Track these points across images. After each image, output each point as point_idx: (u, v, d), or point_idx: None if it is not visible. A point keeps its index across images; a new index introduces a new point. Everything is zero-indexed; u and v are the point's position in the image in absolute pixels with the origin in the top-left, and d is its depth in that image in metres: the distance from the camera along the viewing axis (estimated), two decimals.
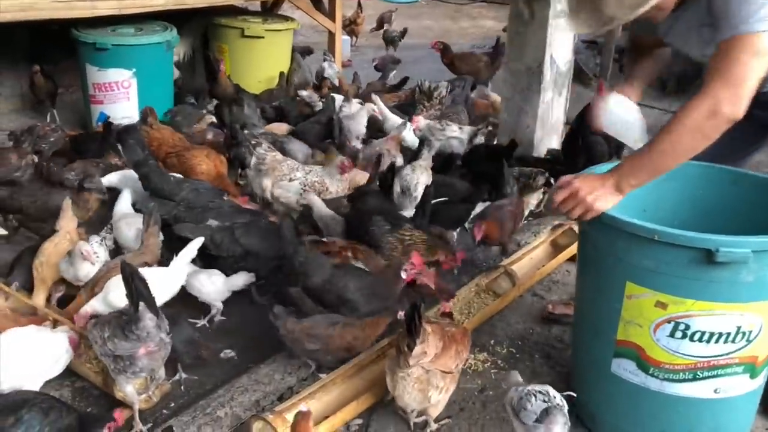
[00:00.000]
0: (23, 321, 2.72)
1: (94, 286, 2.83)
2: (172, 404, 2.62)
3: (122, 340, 2.31)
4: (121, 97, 5.07)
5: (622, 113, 2.69)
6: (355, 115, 4.98)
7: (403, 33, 7.46)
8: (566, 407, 2.18)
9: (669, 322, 2.18)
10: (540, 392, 2.20)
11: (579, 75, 7.48)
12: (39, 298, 3.00)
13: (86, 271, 2.99)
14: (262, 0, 6.54)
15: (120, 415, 2.29)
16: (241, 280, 3.11)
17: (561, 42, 4.52)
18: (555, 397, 2.19)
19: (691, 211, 2.56)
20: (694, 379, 2.24)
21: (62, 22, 4.93)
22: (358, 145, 4.83)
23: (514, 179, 4.04)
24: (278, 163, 3.94)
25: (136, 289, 2.27)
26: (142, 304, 2.28)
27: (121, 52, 4.96)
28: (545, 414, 2.11)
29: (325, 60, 6.60)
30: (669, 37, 2.48)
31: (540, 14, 4.41)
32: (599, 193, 2.20)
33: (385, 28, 8.95)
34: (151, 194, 3.51)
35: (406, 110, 5.44)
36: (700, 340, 2.17)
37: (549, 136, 4.76)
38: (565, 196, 2.25)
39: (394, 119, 5.08)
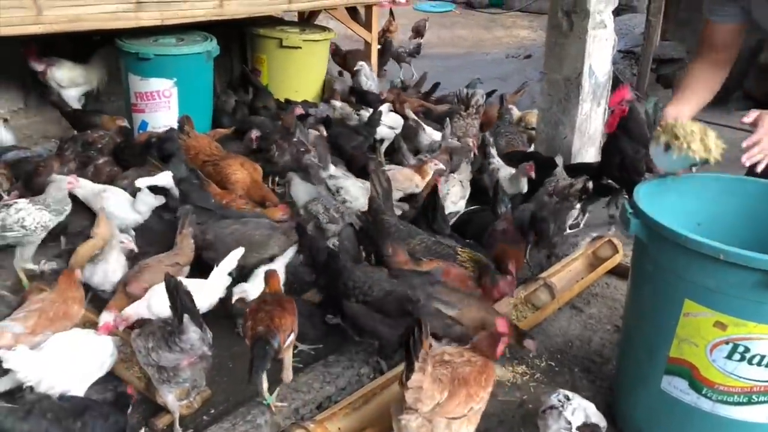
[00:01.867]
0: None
1: (127, 284, 2.88)
2: (212, 411, 2.66)
3: (166, 351, 2.34)
4: (162, 106, 5.16)
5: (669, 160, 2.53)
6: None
7: (418, 48, 7.42)
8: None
9: (727, 343, 2.14)
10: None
11: (616, 85, 7.42)
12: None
13: (102, 277, 3.07)
14: (300, 10, 6.59)
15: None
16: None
17: (600, 53, 4.50)
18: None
19: (750, 229, 2.51)
20: (749, 402, 2.20)
21: (107, 33, 5.04)
22: (411, 160, 4.75)
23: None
24: None
25: (181, 301, 2.29)
26: (186, 317, 2.30)
27: (162, 62, 5.05)
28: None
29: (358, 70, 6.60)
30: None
31: (578, 25, 4.39)
32: None
33: (416, 40, 8.97)
34: None
35: (441, 120, 5.45)
36: (759, 364, 2.13)
37: (587, 148, 4.72)
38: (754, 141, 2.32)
39: (429, 131, 5.06)
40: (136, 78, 5.12)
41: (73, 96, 5.41)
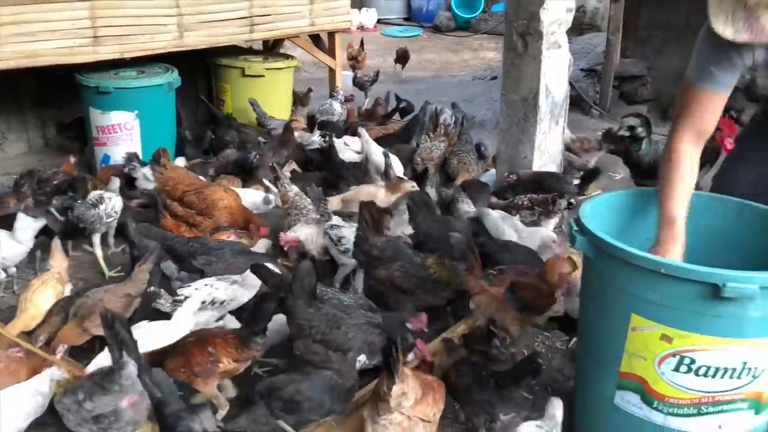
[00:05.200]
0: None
1: (84, 318, 2.83)
2: None
3: (101, 395, 2.25)
4: (123, 139, 5.15)
5: None
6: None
7: (375, 76, 7.54)
8: None
9: (674, 355, 2.16)
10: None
11: (579, 103, 7.54)
12: (13, 328, 2.97)
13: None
14: (264, 39, 6.63)
15: None
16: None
17: (555, 73, 4.57)
18: None
19: (697, 242, 2.51)
20: (699, 414, 2.21)
21: (66, 68, 5.03)
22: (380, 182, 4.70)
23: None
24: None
25: (119, 334, 2.24)
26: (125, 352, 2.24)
27: (123, 95, 5.05)
28: None
29: (331, 96, 6.64)
30: None
31: (533, 47, 4.47)
32: None
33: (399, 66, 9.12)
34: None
35: (407, 141, 5.48)
36: (705, 375, 2.15)
37: (547, 166, 4.77)
38: None
39: (377, 153, 4.98)
40: (97, 112, 5.12)
41: None
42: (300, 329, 2.74)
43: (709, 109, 2.39)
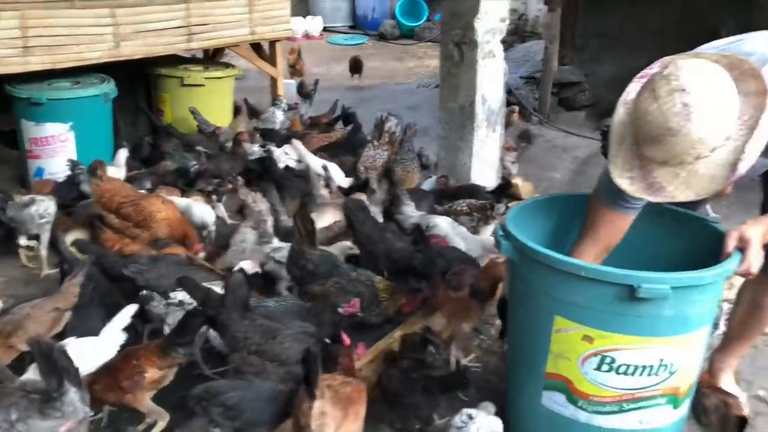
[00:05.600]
0: None
1: (11, 334, 2.76)
2: None
3: (38, 420, 2.14)
4: (58, 151, 5.01)
5: None
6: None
7: (315, 85, 7.53)
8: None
9: (596, 355, 2.24)
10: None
11: (519, 110, 7.70)
12: None
13: None
14: (203, 48, 6.57)
15: None
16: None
17: (491, 81, 4.67)
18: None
19: (619, 247, 2.55)
20: (620, 411, 2.29)
21: None
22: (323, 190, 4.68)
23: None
24: None
25: (57, 362, 2.15)
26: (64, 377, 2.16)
27: (56, 106, 4.93)
28: None
29: (275, 104, 6.61)
30: None
31: (468, 56, 4.56)
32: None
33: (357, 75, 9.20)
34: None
35: (351, 150, 5.48)
36: (625, 373, 2.23)
37: (486, 172, 4.86)
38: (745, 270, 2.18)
39: (315, 164, 4.96)
40: (30, 124, 4.98)
41: None
42: (235, 342, 2.72)
43: (619, 230, 2.40)
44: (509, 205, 4.31)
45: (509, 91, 7.84)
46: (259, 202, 4.01)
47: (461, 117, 4.71)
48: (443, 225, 3.88)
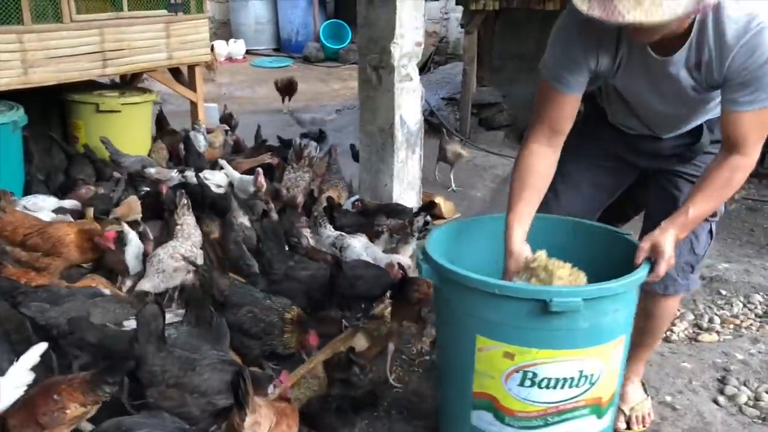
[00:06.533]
0: None
1: None
2: None
3: None
4: None
5: None
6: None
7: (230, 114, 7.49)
8: None
9: (518, 371, 2.25)
10: None
11: (441, 130, 7.86)
12: None
13: None
14: (118, 74, 6.44)
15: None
16: None
17: (409, 104, 4.76)
18: None
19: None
20: (546, 425, 2.32)
21: None
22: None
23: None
24: None
25: None
26: None
27: None
28: None
29: (194, 129, 6.52)
30: (621, 79, 2.35)
31: (386, 79, 4.64)
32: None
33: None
34: None
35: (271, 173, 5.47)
36: (547, 386, 2.26)
37: (407, 193, 4.94)
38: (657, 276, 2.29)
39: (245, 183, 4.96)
40: None
41: None
42: (153, 376, 2.64)
43: (560, 109, 2.36)
44: (427, 220, 4.37)
45: (431, 113, 8.08)
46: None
47: (381, 139, 4.78)
48: (356, 245, 3.93)
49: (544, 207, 2.54)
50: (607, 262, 2.48)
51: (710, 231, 2.63)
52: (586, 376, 2.27)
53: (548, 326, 2.18)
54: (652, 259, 2.29)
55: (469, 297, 2.28)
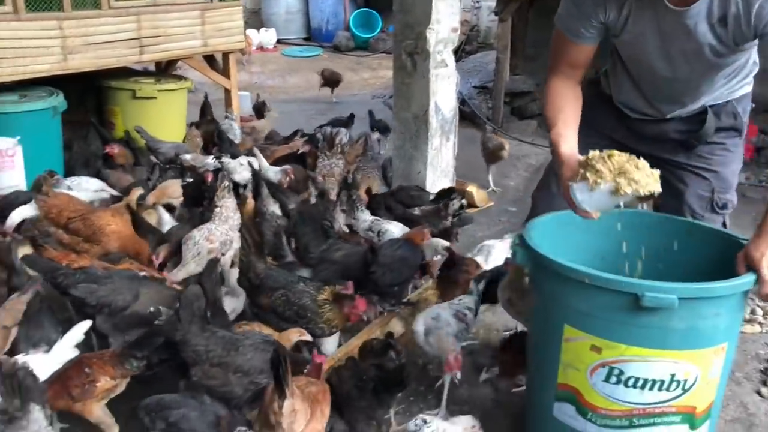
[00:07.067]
0: None
1: None
2: None
3: None
4: (5, 166, 4.87)
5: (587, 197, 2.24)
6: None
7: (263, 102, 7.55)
8: None
9: (603, 366, 2.18)
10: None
11: (473, 119, 7.82)
12: None
13: None
14: (155, 60, 6.50)
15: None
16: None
17: (444, 90, 4.74)
18: None
19: (652, 261, 2.56)
20: (631, 426, 2.22)
21: None
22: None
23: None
24: None
25: (22, 380, 2.10)
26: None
27: (3, 120, 4.80)
28: None
29: (226, 118, 6.57)
30: (629, 35, 2.35)
31: (421, 66, 4.62)
32: None
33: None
34: None
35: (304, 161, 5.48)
36: (634, 386, 2.16)
37: (440, 180, 4.92)
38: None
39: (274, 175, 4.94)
40: None
41: None
42: (197, 355, 2.67)
43: (580, 58, 2.47)
44: (463, 206, 4.34)
45: (463, 101, 8.02)
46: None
47: (415, 126, 4.77)
48: (394, 230, 3.93)
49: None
50: (721, 267, 2.28)
51: (723, 224, 2.57)
52: (679, 381, 2.13)
53: (639, 322, 2.08)
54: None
55: (559, 284, 2.23)
